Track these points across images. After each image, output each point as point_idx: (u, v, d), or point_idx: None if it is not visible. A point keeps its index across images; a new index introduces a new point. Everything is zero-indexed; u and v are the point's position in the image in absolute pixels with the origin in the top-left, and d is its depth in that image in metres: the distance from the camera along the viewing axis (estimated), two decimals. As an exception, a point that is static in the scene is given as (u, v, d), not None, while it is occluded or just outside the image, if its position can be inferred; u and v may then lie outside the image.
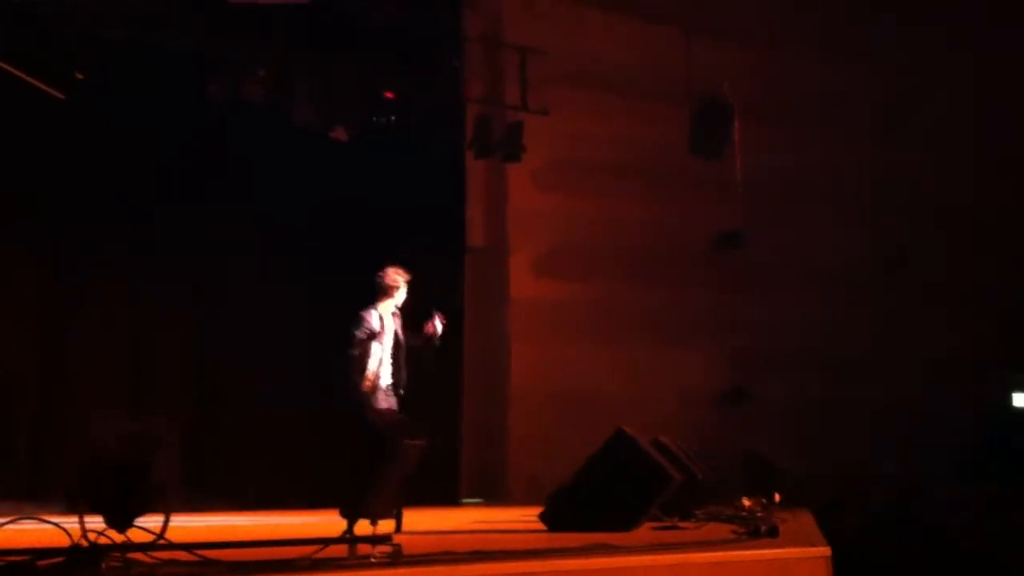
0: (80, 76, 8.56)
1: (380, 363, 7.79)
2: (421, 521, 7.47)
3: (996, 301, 13.84)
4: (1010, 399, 14.09)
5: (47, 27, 8.47)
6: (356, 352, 7.70)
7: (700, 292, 12.63)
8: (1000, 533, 10.32)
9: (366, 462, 4.77)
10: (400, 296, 7.94)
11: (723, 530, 5.83)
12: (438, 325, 7.74)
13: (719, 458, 8.38)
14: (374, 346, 7.80)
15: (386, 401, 7.80)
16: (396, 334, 7.95)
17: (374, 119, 10.30)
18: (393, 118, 10.38)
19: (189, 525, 6.36)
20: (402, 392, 7.88)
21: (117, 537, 4.17)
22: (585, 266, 12.27)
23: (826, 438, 12.07)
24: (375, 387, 7.73)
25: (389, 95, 10.22)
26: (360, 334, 7.73)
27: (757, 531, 5.32)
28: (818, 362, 12.73)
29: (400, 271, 7.96)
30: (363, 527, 4.65)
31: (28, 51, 8.35)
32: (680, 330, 12.49)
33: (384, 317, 7.92)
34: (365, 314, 7.84)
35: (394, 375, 7.88)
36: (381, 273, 7.94)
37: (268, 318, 10.83)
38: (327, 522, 5.50)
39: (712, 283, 12.65)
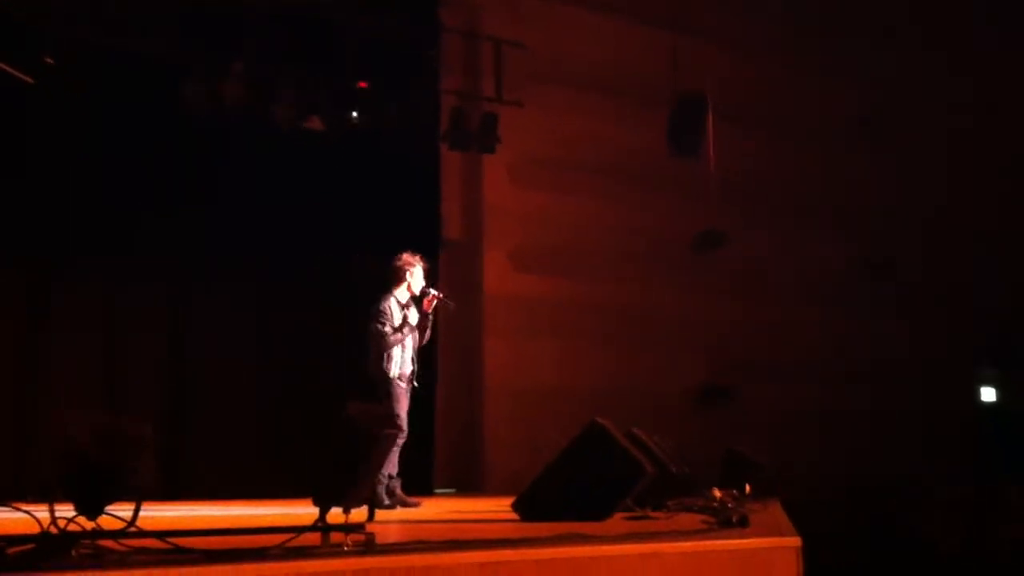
0: (50, 61, 8.51)
1: (401, 352, 7.78)
2: (394, 511, 7.48)
3: (971, 303, 14.00)
4: (978, 394, 14.24)
5: (18, 25, 8.43)
6: (385, 346, 7.69)
7: (677, 291, 12.74)
8: (976, 536, 10.42)
9: (341, 451, 4.76)
10: (415, 282, 7.92)
11: (694, 520, 5.86)
12: (433, 300, 7.81)
13: (694, 455, 8.43)
14: (403, 332, 7.78)
15: (405, 391, 7.79)
16: (415, 322, 7.92)
17: (349, 111, 10.28)
18: (367, 110, 10.36)
19: (161, 513, 6.35)
20: (416, 384, 7.90)
21: (88, 524, 4.15)
22: (561, 262, 12.32)
23: (802, 440, 12.17)
24: (392, 376, 7.71)
25: (363, 84, 10.21)
26: (383, 327, 7.69)
27: (728, 521, 5.36)
28: (795, 363, 12.84)
29: (414, 256, 7.95)
30: (336, 516, 4.64)
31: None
32: (656, 329, 12.57)
33: (403, 303, 7.89)
34: (384, 304, 7.81)
35: (412, 364, 7.87)
36: (395, 257, 7.95)
37: (242, 313, 10.81)
38: (300, 511, 5.51)
39: (689, 283, 12.75)
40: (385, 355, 7.80)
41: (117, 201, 10.12)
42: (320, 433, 5.01)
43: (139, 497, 4.34)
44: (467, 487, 11.54)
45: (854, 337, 13.60)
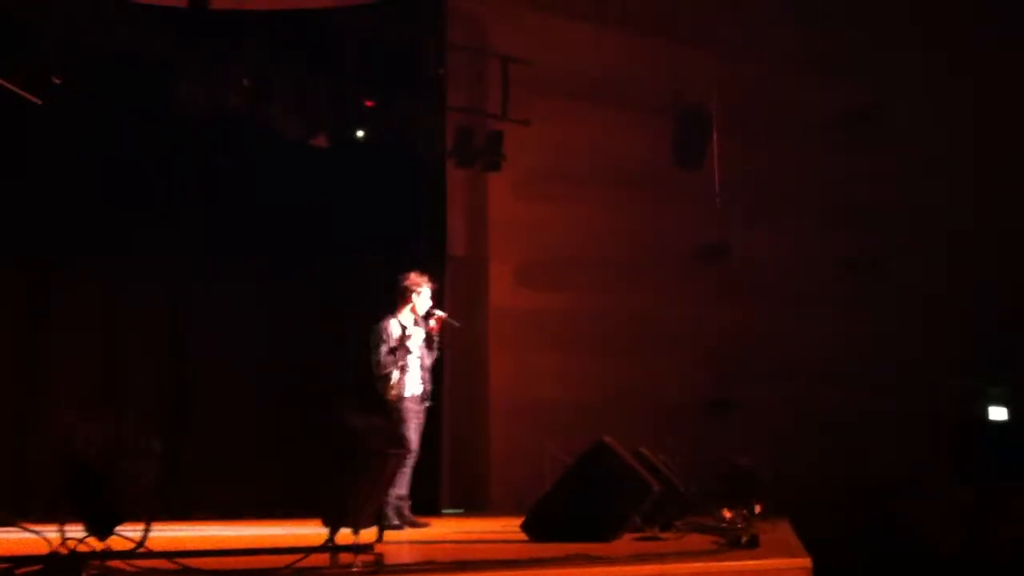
0: (57, 80, 8.48)
1: (405, 372, 7.67)
2: (402, 531, 7.47)
3: (972, 309, 13.96)
4: (986, 412, 14.17)
5: (22, 32, 8.38)
6: (377, 367, 7.62)
7: (684, 301, 12.65)
8: (976, 536, 10.43)
9: (349, 470, 4.75)
10: (422, 303, 7.83)
11: (703, 541, 5.87)
12: (434, 323, 7.78)
13: (700, 468, 8.38)
14: (396, 355, 7.68)
15: (415, 412, 7.72)
16: (423, 342, 7.85)
17: (355, 127, 10.22)
18: (373, 127, 10.29)
19: (170, 534, 6.34)
20: (428, 403, 7.84)
21: (97, 545, 4.15)
22: (566, 276, 12.27)
23: (802, 441, 12.13)
24: (400, 398, 7.65)
25: (370, 103, 10.14)
26: (379, 349, 7.62)
27: (737, 542, 5.35)
28: (797, 371, 12.78)
29: (421, 276, 7.86)
30: (345, 536, 4.63)
31: (3, 56, 8.27)
32: (661, 340, 12.48)
33: (406, 325, 7.79)
34: (384, 324, 7.73)
35: (422, 385, 7.79)
36: (402, 277, 7.86)
37: (247, 326, 10.75)
38: (309, 531, 5.50)
39: (693, 293, 12.68)
40: (382, 377, 7.70)
41: (117, 201, 10.04)
42: (328, 450, 4.99)
43: (146, 506, 4.34)
44: (475, 507, 11.40)
45: (854, 338, 13.56)
